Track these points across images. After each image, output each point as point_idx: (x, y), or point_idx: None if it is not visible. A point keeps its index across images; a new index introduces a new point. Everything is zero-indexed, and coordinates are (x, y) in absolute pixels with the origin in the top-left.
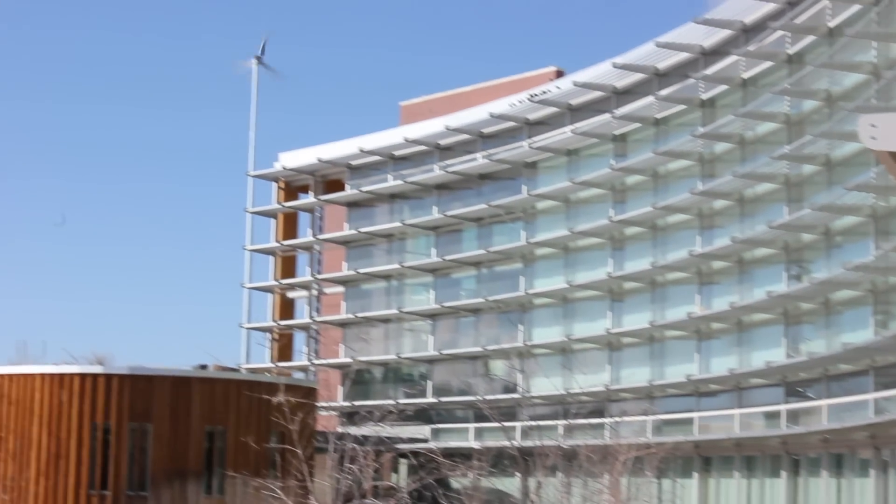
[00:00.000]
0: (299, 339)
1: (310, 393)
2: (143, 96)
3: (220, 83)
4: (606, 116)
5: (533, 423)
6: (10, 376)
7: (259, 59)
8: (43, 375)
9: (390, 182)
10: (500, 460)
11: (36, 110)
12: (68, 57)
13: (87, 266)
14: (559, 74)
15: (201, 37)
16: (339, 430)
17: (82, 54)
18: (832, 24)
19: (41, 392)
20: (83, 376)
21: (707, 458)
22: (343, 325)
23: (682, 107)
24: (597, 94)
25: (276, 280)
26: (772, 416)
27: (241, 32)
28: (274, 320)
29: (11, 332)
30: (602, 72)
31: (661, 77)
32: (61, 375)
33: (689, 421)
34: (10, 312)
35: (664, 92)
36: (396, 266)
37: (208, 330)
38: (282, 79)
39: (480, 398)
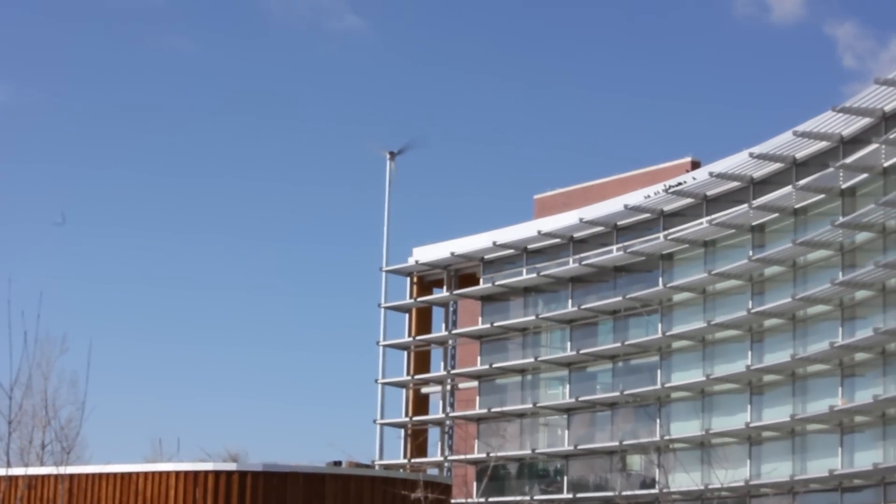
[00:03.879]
0: (434, 435)
1: (445, 489)
2: (275, 196)
3: (354, 180)
4: (744, 207)
5: None
6: (145, 474)
7: (393, 155)
8: (177, 473)
9: (524, 275)
10: None
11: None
12: (203, 143)
13: (221, 363)
14: (695, 165)
15: (335, 135)
16: None
17: (216, 142)
18: None
19: (175, 489)
20: (217, 473)
21: None
22: (478, 420)
23: (822, 196)
24: (733, 184)
25: (409, 375)
26: None
27: (376, 129)
28: (408, 416)
29: (146, 429)
30: (738, 162)
31: (800, 166)
32: (195, 473)
33: None
34: (145, 409)
35: (802, 181)
36: (531, 360)
37: (342, 426)
38: (423, 143)
39: (618, 494)
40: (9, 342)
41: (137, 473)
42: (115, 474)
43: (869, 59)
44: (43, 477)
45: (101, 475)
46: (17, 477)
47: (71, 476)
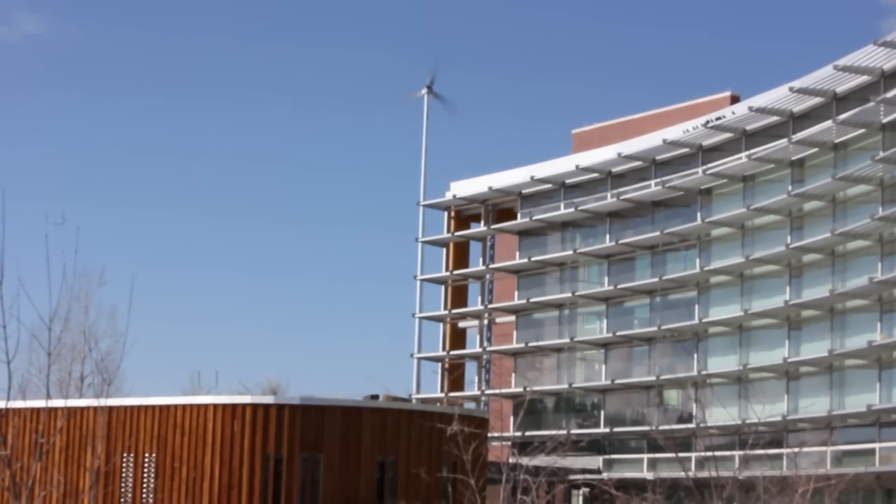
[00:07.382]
0: (470, 369)
1: (481, 423)
2: (313, 128)
3: (392, 113)
4: (783, 142)
5: (709, 453)
6: (184, 407)
7: (430, 88)
8: (216, 406)
9: (562, 210)
10: (674, 492)
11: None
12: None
13: (260, 296)
14: (734, 100)
15: (372, 67)
16: (512, 460)
17: (255, 74)
18: None
19: (213, 422)
20: (255, 407)
21: (889, 490)
22: (515, 354)
23: (862, 131)
24: (773, 118)
25: (447, 310)
26: None
27: (414, 62)
28: (445, 350)
29: (185, 361)
30: (779, 96)
31: (840, 101)
32: (233, 406)
33: (871, 451)
34: (184, 342)
35: (843, 116)
36: (568, 295)
37: (379, 360)
38: (452, 109)
39: (654, 428)
40: (48, 276)
41: (176, 406)
42: (153, 406)
43: None
44: (82, 409)
45: (140, 407)
46: (56, 409)
47: (110, 408)
